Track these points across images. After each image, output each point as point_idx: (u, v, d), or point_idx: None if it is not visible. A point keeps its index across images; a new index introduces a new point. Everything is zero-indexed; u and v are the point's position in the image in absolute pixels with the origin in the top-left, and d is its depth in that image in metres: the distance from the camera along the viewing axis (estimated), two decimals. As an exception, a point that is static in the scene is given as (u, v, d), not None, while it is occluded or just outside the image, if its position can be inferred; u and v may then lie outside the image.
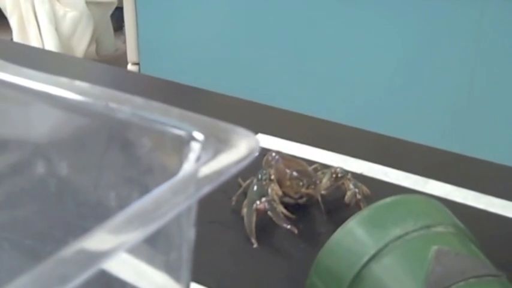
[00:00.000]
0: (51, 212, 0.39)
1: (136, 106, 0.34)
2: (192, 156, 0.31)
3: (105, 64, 1.16)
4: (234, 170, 0.30)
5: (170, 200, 0.27)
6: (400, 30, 1.52)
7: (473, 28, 1.46)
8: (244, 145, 0.31)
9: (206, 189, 0.28)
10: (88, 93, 0.36)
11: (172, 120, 0.33)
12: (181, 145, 0.32)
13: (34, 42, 2.47)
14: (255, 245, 0.56)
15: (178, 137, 0.32)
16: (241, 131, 0.32)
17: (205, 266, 0.53)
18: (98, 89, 0.36)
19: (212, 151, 0.31)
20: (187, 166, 0.31)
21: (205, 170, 0.29)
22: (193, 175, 0.29)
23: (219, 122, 0.33)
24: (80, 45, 2.62)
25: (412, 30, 1.52)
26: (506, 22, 1.43)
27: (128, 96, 0.35)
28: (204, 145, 0.31)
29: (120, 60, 2.35)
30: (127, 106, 0.35)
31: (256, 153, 0.31)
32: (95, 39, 2.75)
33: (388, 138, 0.77)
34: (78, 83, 0.37)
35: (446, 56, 1.50)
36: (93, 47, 2.78)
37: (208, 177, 0.29)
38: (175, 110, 0.33)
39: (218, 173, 0.29)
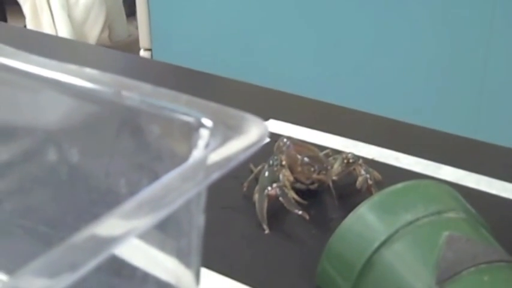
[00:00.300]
0: (63, 198, 0.40)
1: (146, 93, 0.35)
2: (201, 142, 0.31)
3: (117, 50, 1.16)
4: (243, 157, 0.30)
5: (180, 187, 0.27)
6: (414, 14, 1.51)
7: (486, 18, 1.45)
8: (253, 131, 0.31)
9: (215, 176, 0.28)
10: (97, 80, 0.36)
11: (181, 106, 0.33)
12: (190, 131, 0.32)
13: (47, 29, 2.48)
14: (267, 231, 0.56)
15: (187, 123, 0.32)
16: (250, 117, 0.32)
17: (216, 251, 0.54)
18: (107, 76, 0.36)
19: (221, 137, 0.31)
20: (197, 153, 0.31)
21: (214, 156, 0.29)
22: (202, 162, 0.29)
23: (228, 108, 0.33)
24: (93, 32, 2.62)
25: (427, 16, 1.50)
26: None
27: (137, 82, 0.35)
28: (213, 131, 0.31)
29: (133, 46, 2.35)
30: (136, 93, 0.35)
31: (266, 140, 0.31)
32: (108, 25, 2.74)
33: (400, 123, 0.77)
34: (87, 70, 0.37)
35: (460, 42, 1.49)
36: (106, 33, 2.78)
37: (217, 164, 0.29)
38: (184, 97, 0.33)
39: (227, 159, 0.29)
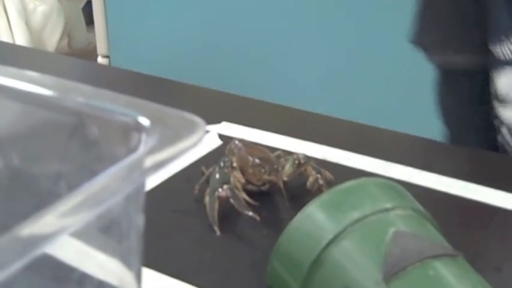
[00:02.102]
0: (4, 204, 0.39)
1: (86, 94, 0.34)
2: (138, 142, 0.31)
3: (74, 57, 1.15)
4: (180, 156, 0.30)
5: (114, 186, 0.27)
6: (355, 22, 1.53)
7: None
8: (191, 131, 0.31)
9: (151, 175, 0.28)
10: (38, 82, 0.36)
11: (119, 107, 0.33)
12: (129, 132, 0.32)
13: (4, 36, 2.44)
14: (218, 233, 0.56)
15: (126, 123, 0.32)
16: (189, 116, 0.32)
17: (167, 254, 0.53)
18: (47, 78, 0.36)
19: (159, 137, 0.30)
20: (133, 152, 0.31)
21: (151, 155, 0.29)
22: (138, 161, 0.29)
23: (167, 108, 0.33)
24: (51, 39, 2.59)
25: (380, 19, 1.52)
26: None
27: (77, 84, 0.35)
28: (151, 131, 0.31)
29: (93, 53, 2.33)
30: (76, 94, 0.34)
31: (204, 139, 0.31)
32: (67, 32, 2.72)
33: (350, 123, 0.78)
34: (28, 72, 0.36)
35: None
36: (65, 41, 2.76)
37: (153, 163, 0.29)
38: (123, 97, 0.33)
39: (164, 158, 0.29)
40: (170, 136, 0.31)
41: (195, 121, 0.32)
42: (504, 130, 0.80)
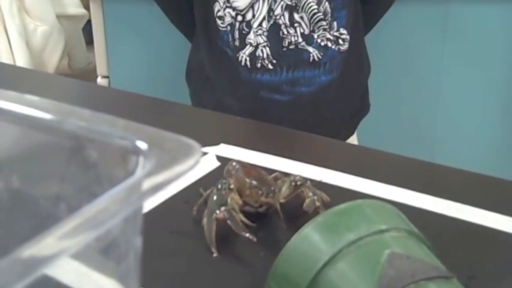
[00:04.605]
0: (4, 226, 0.40)
1: (84, 118, 0.35)
2: (136, 165, 0.32)
3: (74, 79, 1.16)
4: (176, 179, 0.30)
5: (112, 209, 0.28)
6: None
7: (437, 47, 1.48)
8: (187, 154, 0.32)
9: (148, 197, 0.29)
10: (37, 106, 0.36)
11: (117, 131, 0.33)
12: (127, 155, 0.33)
13: (4, 57, 2.45)
14: (215, 254, 0.56)
15: (124, 147, 0.33)
16: (185, 140, 0.33)
17: (165, 275, 0.54)
18: (46, 102, 0.36)
19: (156, 160, 0.31)
20: (131, 175, 0.31)
21: (148, 179, 0.30)
22: (135, 184, 0.29)
23: (164, 132, 0.33)
24: (52, 60, 2.60)
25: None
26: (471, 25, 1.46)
27: (75, 108, 0.36)
28: (148, 155, 0.32)
29: (93, 73, 2.34)
30: (74, 118, 0.35)
31: (199, 162, 0.32)
32: (67, 53, 2.73)
33: (347, 144, 0.78)
34: (27, 96, 0.37)
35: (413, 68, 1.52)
36: (65, 61, 2.77)
37: (151, 186, 0.30)
38: (121, 121, 0.34)
39: (161, 181, 0.30)
40: (167, 159, 0.31)
41: (191, 145, 0.33)
42: None
